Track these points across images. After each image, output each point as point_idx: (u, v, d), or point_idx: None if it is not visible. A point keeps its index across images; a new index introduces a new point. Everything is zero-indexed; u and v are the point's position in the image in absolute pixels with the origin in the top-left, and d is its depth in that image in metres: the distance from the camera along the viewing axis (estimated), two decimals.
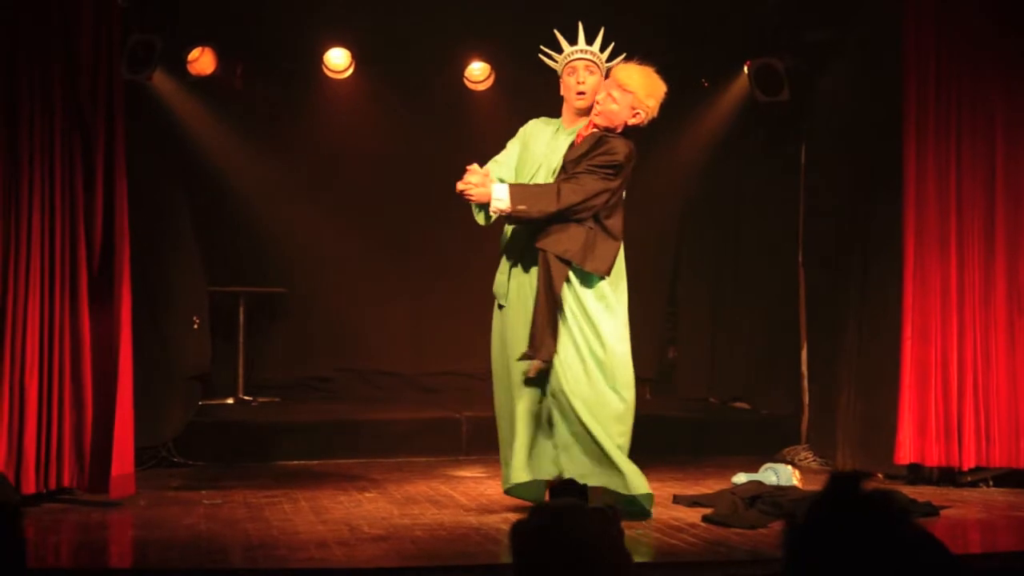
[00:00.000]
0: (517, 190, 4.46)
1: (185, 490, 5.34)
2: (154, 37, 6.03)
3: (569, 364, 4.46)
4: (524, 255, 4.59)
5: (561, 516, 1.69)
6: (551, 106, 7.69)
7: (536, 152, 4.66)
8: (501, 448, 4.73)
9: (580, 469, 4.43)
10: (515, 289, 4.60)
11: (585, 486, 4.20)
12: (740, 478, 5.26)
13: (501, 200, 4.43)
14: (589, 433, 4.45)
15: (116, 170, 4.99)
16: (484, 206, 4.54)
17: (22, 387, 4.77)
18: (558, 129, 4.71)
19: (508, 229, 4.68)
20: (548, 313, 4.42)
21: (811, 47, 6.55)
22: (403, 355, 7.75)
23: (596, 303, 4.55)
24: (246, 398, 7.17)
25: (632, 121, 4.61)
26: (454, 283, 7.63)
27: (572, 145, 4.60)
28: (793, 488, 5.07)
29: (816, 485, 5.22)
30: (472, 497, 5.18)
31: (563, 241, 4.47)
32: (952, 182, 5.50)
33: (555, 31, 4.65)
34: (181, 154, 6.83)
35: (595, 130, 4.58)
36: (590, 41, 4.66)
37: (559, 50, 4.69)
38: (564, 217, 4.46)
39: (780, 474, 5.24)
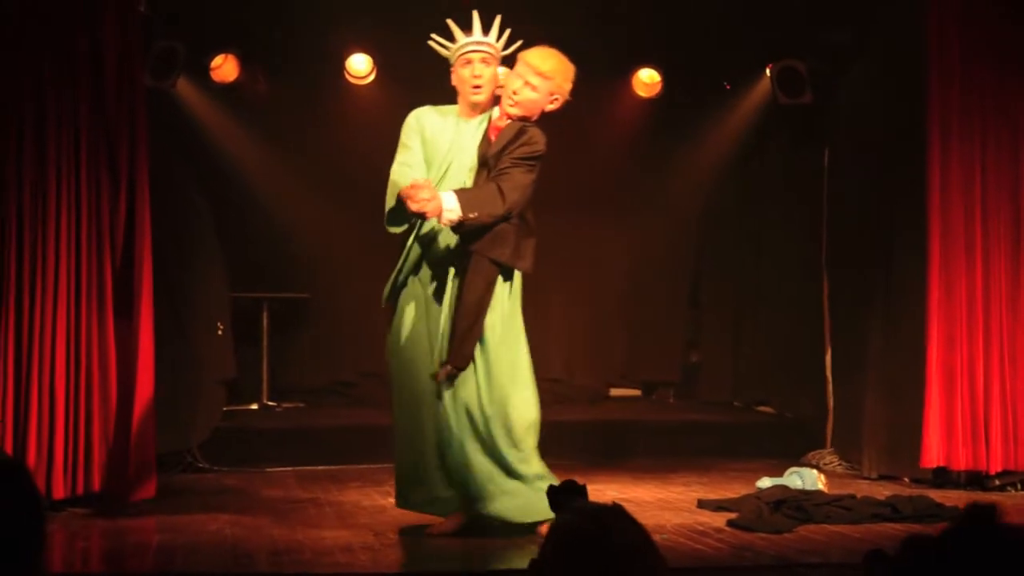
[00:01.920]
0: (464, 196, 4.16)
1: (211, 495, 5.35)
2: (177, 44, 6.07)
3: (492, 373, 4.27)
4: (445, 260, 4.33)
5: (602, 518, 1.68)
6: (569, 109, 7.72)
7: (441, 147, 4.36)
8: (400, 464, 4.47)
9: (475, 491, 4.26)
10: (427, 296, 4.35)
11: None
12: (765, 482, 5.24)
13: (452, 210, 4.11)
14: (497, 452, 4.28)
15: (139, 177, 5.02)
16: (407, 216, 4.20)
17: (51, 393, 4.81)
18: (458, 121, 4.39)
19: (423, 234, 4.34)
20: (474, 320, 4.21)
21: (833, 49, 6.53)
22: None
23: (514, 304, 4.39)
24: (270, 403, 7.19)
25: (549, 107, 4.39)
26: None
27: (486, 139, 4.33)
28: (819, 492, 5.04)
29: (841, 489, 5.21)
30: None
31: (497, 243, 4.24)
32: (977, 187, 5.47)
33: (448, 20, 4.39)
34: (204, 160, 6.87)
35: (510, 121, 4.36)
36: (486, 32, 4.39)
37: (451, 39, 4.41)
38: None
39: (805, 478, 5.21)
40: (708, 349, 7.93)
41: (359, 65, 7.04)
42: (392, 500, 5.16)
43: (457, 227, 4.18)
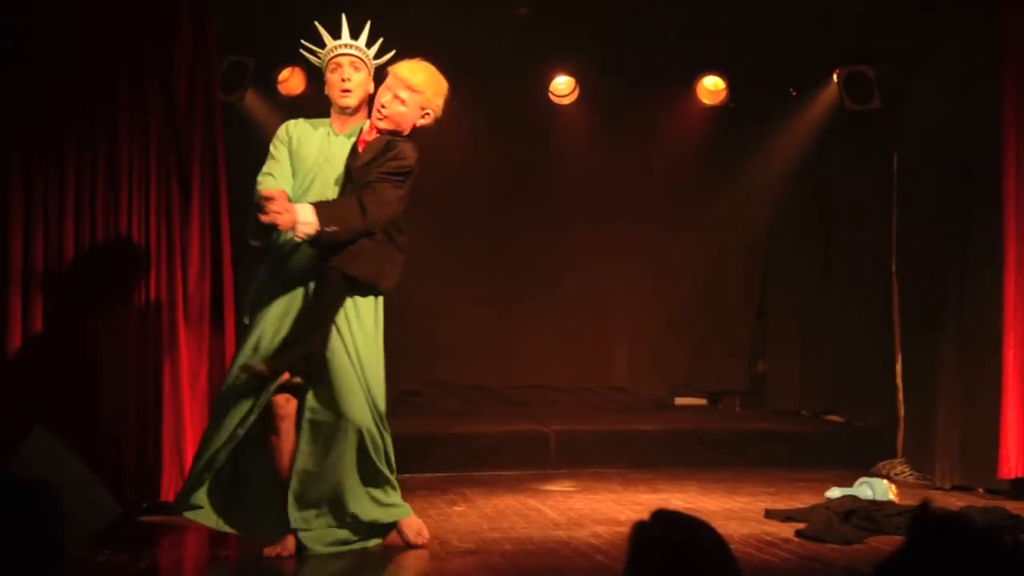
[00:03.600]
0: (322, 209, 3.99)
1: None
2: (246, 58, 6.17)
3: (348, 386, 4.12)
4: (303, 274, 4.17)
5: (686, 527, 1.69)
6: (633, 118, 7.71)
7: (307, 159, 4.24)
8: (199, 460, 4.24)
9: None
10: (284, 310, 4.17)
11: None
12: (834, 492, 5.18)
13: (308, 223, 3.94)
14: (367, 462, 4.17)
15: (219, 191, 5.11)
16: (267, 228, 4.02)
17: (123, 402, 4.90)
18: (329, 133, 4.29)
19: (281, 245, 4.19)
20: (311, 331, 4.07)
21: (901, 53, 6.45)
22: (491, 368, 7.78)
23: (379, 324, 4.26)
24: None
25: (420, 122, 4.25)
26: (542, 295, 7.64)
27: (354, 152, 4.20)
28: (889, 503, 4.97)
29: (913, 500, 5.12)
30: (561, 511, 5.16)
31: (359, 260, 4.10)
32: None
33: (316, 23, 4.30)
34: None
35: (378, 135, 4.22)
36: (355, 36, 4.29)
37: (322, 45, 4.33)
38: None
39: (876, 488, 5.14)
40: (775, 358, 7.86)
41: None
42: (460, 508, 5.18)
43: (314, 240, 4.01)
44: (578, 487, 5.74)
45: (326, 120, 4.35)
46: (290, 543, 4.17)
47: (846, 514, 4.69)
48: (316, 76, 6.97)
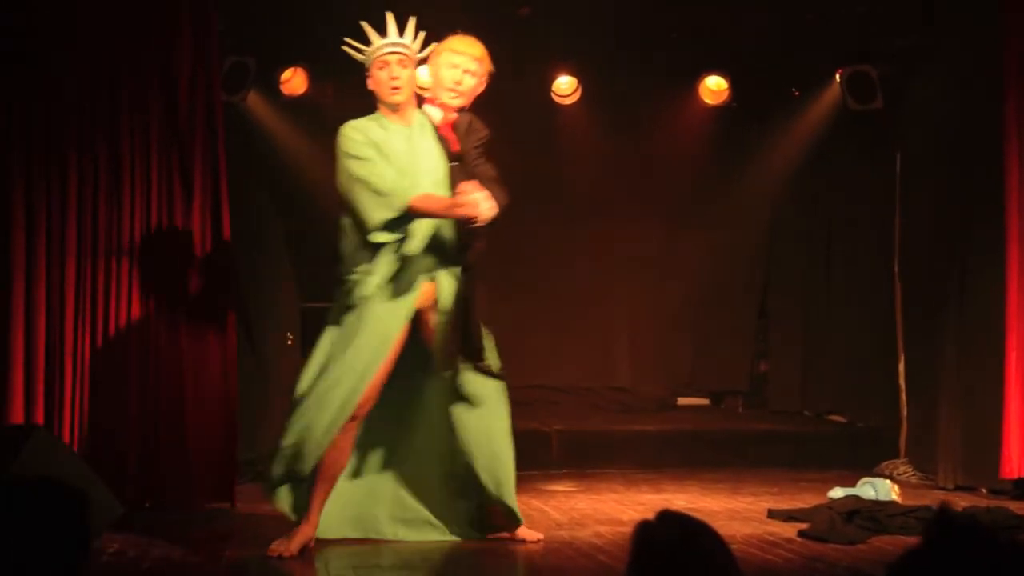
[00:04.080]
0: (493, 191, 4.11)
1: None
2: (248, 59, 6.17)
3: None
4: (440, 260, 4.26)
5: (687, 528, 1.69)
6: (636, 118, 7.70)
7: (400, 156, 4.24)
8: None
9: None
10: (411, 304, 4.25)
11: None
12: (837, 492, 5.17)
13: (492, 207, 4.10)
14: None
15: (220, 190, 5.11)
16: (400, 224, 4.13)
17: (124, 403, 4.90)
18: (399, 128, 4.30)
19: (420, 235, 4.22)
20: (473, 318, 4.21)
21: (904, 53, 6.44)
22: None
23: None
24: None
25: (479, 91, 4.37)
26: (543, 295, 7.64)
27: (441, 138, 4.28)
28: (892, 503, 4.96)
29: (916, 500, 5.11)
30: (564, 511, 5.16)
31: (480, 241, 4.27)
32: None
33: (363, 23, 4.31)
34: (273, 173, 6.96)
35: (454, 114, 4.33)
36: (402, 33, 4.30)
37: (367, 43, 4.33)
38: None
39: (879, 489, 5.13)
40: (777, 358, 7.85)
41: (425, 77, 7.08)
42: None
43: (482, 227, 4.09)
44: (580, 487, 5.73)
45: (377, 116, 4.32)
46: (298, 541, 4.16)
47: (849, 514, 4.68)
48: (318, 76, 7.03)
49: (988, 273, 5.57)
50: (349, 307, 4.26)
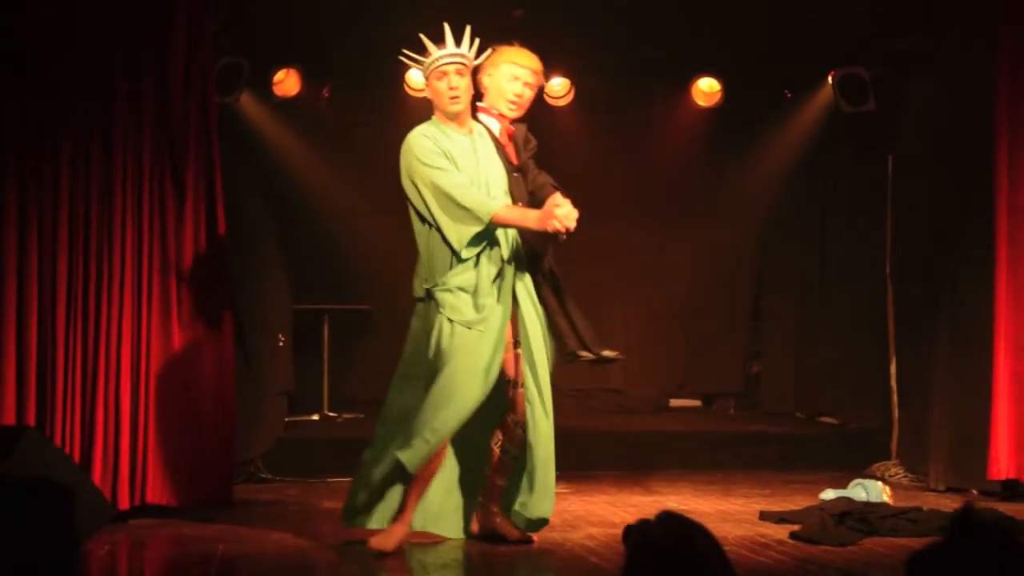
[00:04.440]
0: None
1: (273, 505, 5.41)
2: (241, 60, 6.16)
3: (546, 369, 4.33)
4: (519, 262, 4.31)
5: (682, 528, 1.69)
6: (629, 119, 7.71)
7: (468, 166, 4.24)
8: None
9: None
10: (505, 310, 4.26)
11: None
12: (828, 494, 5.18)
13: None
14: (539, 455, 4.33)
15: (215, 191, 5.11)
16: (481, 238, 4.16)
17: (117, 404, 4.89)
18: (462, 136, 4.30)
19: (509, 236, 4.26)
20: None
21: (898, 56, 6.45)
22: None
23: None
24: (331, 414, 7.25)
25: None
26: None
27: (501, 149, 4.34)
28: (884, 505, 4.97)
29: (907, 501, 5.12)
30: (555, 513, 5.10)
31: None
32: None
33: (421, 35, 4.30)
34: (266, 174, 6.96)
35: (511, 125, 4.42)
36: (458, 43, 4.30)
37: (421, 51, 4.33)
38: None
39: (870, 490, 5.14)
40: (770, 359, 7.87)
41: (418, 78, 7.07)
42: None
43: (564, 237, 4.13)
44: (572, 489, 5.73)
45: (436, 123, 4.32)
46: (396, 538, 4.18)
47: (840, 516, 4.69)
48: (311, 78, 7.03)
49: (979, 275, 5.59)
50: (439, 318, 4.22)
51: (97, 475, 4.79)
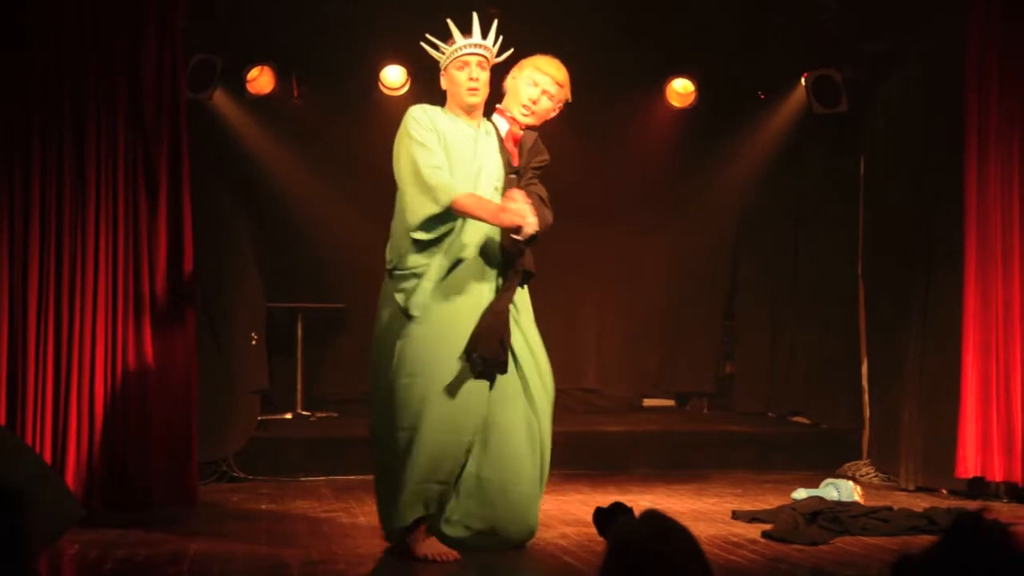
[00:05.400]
0: (537, 209, 4.06)
1: (246, 504, 5.39)
2: (214, 57, 6.14)
3: (531, 374, 4.25)
4: (480, 266, 4.20)
5: (666, 529, 1.70)
6: (602, 120, 7.71)
7: (464, 154, 4.18)
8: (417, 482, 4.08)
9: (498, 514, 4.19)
10: (463, 298, 4.14)
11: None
12: (800, 493, 5.21)
13: (532, 224, 4.00)
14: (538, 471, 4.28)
15: (182, 188, 5.08)
16: (442, 221, 4.06)
17: (91, 402, 4.87)
18: (468, 126, 4.24)
19: (473, 239, 4.16)
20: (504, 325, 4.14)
21: (870, 58, 6.50)
22: None
23: (530, 306, 4.38)
24: (304, 413, 7.23)
25: (552, 115, 4.38)
26: None
27: (504, 149, 4.27)
28: (855, 504, 5.00)
29: (878, 501, 5.16)
30: None
31: (529, 254, 4.24)
32: (1015, 195, 5.42)
33: (448, 20, 4.24)
34: (240, 171, 6.93)
35: (523, 131, 4.35)
36: (485, 35, 4.22)
37: (444, 40, 4.25)
38: None
39: (841, 489, 5.17)
40: (743, 360, 7.90)
41: (393, 76, 7.08)
42: None
43: (526, 242, 4.05)
44: (546, 488, 5.73)
45: (442, 109, 4.24)
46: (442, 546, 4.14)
47: (812, 515, 4.72)
48: (285, 75, 7.00)
49: (950, 276, 5.64)
50: (405, 312, 4.11)
51: (70, 474, 4.76)
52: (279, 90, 6.85)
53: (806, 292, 7.41)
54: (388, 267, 4.23)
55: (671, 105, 7.46)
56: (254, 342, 6.73)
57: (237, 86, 6.64)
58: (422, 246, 4.13)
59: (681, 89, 7.38)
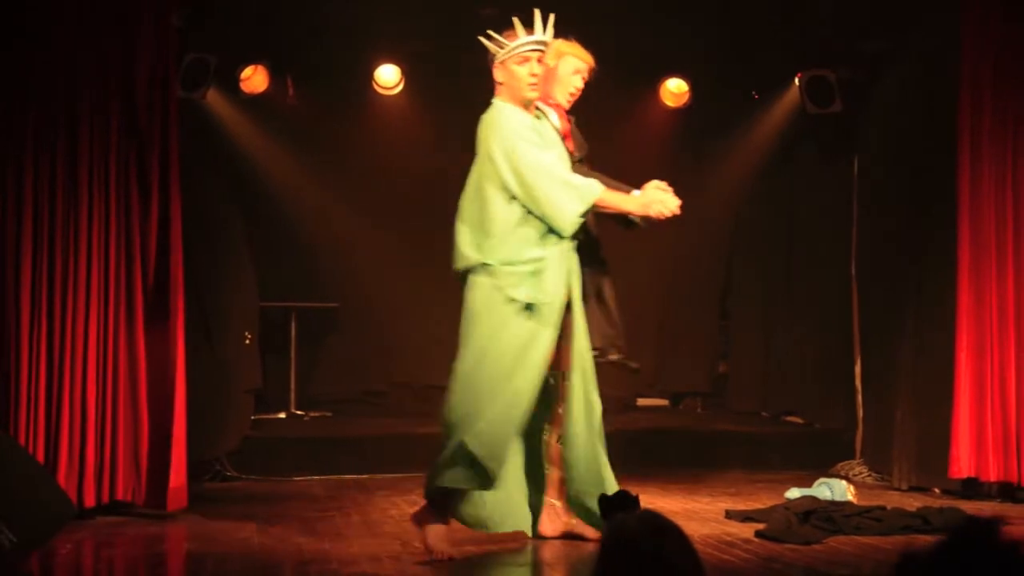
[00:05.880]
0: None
1: (239, 504, 5.38)
2: (209, 56, 6.12)
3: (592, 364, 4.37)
4: (577, 261, 4.36)
5: (661, 528, 1.71)
6: (597, 119, 7.68)
7: (553, 146, 4.33)
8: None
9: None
10: (563, 298, 4.30)
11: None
12: (793, 493, 5.21)
13: (675, 206, 4.31)
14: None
15: (171, 187, 5.07)
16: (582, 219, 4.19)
17: (83, 402, 4.85)
18: (540, 119, 4.37)
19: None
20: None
21: (864, 58, 6.51)
22: None
23: None
24: (298, 413, 7.22)
25: None
26: None
27: (562, 137, 4.43)
28: (848, 503, 5.01)
29: (871, 500, 5.17)
30: None
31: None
32: (1008, 195, 5.43)
33: (514, 18, 4.24)
34: (234, 170, 6.92)
35: (566, 115, 4.51)
36: (545, 30, 4.27)
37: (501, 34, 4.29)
38: None
39: (834, 489, 5.18)
40: (737, 359, 7.90)
41: (387, 76, 7.07)
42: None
43: (632, 225, 4.25)
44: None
45: (510, 105, 4.27)
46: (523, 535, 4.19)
47: (805, 515, 4.72)
48: (278, 74, 6.99)
49: (943, 276, 5.65)
50: (514, 300, 4.15)
51: (62, 473, 4.75)
52: (273, 89, 6.85)
53: (800, 292, 7.41)
54: (486, 263, 4.17)
55: (665, 105, 7.46)
56: (248, 341, 6.72)
57: (231, 85, 6.63)
58: (537, 239, 4.18)
59: (675, 89, 7.38)
